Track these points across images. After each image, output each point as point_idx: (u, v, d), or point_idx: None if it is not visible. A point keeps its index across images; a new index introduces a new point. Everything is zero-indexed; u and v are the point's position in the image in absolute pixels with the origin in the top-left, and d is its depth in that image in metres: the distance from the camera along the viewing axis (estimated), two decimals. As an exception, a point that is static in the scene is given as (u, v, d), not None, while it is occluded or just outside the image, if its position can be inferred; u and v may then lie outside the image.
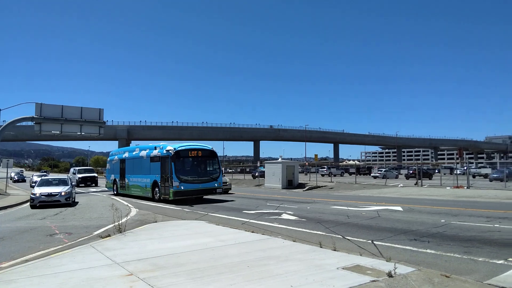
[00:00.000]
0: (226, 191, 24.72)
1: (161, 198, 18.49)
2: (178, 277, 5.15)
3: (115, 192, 25.02)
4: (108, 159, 27.81)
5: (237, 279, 5.01)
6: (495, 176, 36.65)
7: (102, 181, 38.84)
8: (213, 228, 9.55)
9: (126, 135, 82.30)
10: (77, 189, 28.28)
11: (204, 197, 20.34)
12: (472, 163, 62.34)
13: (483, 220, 10.56)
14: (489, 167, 45.83)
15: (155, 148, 19.88)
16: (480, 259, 6.30)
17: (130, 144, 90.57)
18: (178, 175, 17.49)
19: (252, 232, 8.76)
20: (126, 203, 18.11)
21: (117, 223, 9.26)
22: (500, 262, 6.09)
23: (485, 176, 42.89)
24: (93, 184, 37.51)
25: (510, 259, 6.25)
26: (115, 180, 25.23)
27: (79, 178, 36.90)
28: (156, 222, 10.90)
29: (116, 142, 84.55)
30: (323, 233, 9.04)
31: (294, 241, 7.54)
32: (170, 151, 17.87)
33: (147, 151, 20.89)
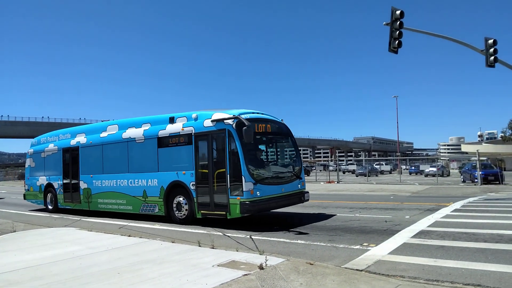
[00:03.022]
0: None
1: (195, 216, 9.84)
2: (33, 293, 4.53)
3: (50, 207, 14.80)
4: (31, 150, 16.20)
5: None
6: (360, 172, 41.89)
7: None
8: (84, 234, 8.73)
9: (-18, 132, 70.35)
10: None
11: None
12: (343, 160, 70.05)
13: (347, 211, 11.87)
14: (356, 164, 51.98)
15: (172, 121, 10.80)
16: (341, 246, 7.03)
17: (-11, 143, 77.68)
18: (251, 169, 8.97)
19: (129, 236, 8.26)
20: (-22, 212, 15.37)
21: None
22: (356, 247, 6.88)
23: (353, 172, 48.63)
24: None
25: (365, 244, 7.11)
26: (49, 185, 14.81)
27: None
28: (15, 231, 9.50)
29: (-30, 141, 71.84)
30: (205, 232, 9.02)
31: (173, 242, 7.35)
32: (227, 121, 9.28)
33: (146, 127, 11.51)
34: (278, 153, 11.17)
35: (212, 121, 9.63)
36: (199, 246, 6.87)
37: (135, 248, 6.92)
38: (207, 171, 9.61)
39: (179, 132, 10.38)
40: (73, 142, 14.04)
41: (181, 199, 10.25)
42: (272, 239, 7.95)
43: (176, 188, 10.36)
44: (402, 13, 14.27)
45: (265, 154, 10.81)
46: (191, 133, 10.06)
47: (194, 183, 9.84)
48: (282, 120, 11.28)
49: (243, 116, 9.40)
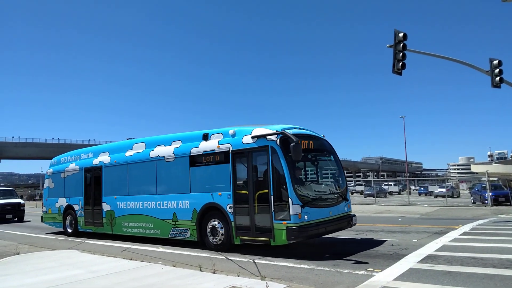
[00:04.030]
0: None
1: (232, 242, 9.03)
2: (30, 319, 4.48)
3: (70, 230, 14.10)
4: (51, 170, 15.62)
5: (102, 314, 4.56)
6: (368, 193, 41.50)
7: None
8: (86, 257, 8.68)
9: (-6, 153, 71.52)
10: (1, 229, 17.30)
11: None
12: (351, 181, 69.60)
13: (353, 234, 11.65)
14: (364, 185, 51.56)
15: (206, 137, 10.15)
16: (345, 271, 6.87)
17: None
18: (298, 190, 8.23)
19: (131, 259, 8.20)
20: (-16, 234, 15.39)
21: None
22: (361, 272, 6.72)
23: (361, 192, 48.19)
24: (16, 218, 22.03)
25: (370, 269, 6.94)
26: (69, 207, 14.14)
27: None
28: (18, 254, 9.50)
29: (-19, 162, 73.11)
30: (207, 255, 8.91)
31: (174, 266, 7.27)
32: (270, 137, 8.59)
33: (177, 144, 10.82)
34: (322, 172, 10.25)
35: (253, 137, 8.90)
36: (200, 270, 6.78)
37: (135, 273, 6.85)
38: (246, 192, 8.86)
39: (215, 150, 9.66)
40: (95, 161, 13.38)
41: (216, 223, 9.38)
42: (275, 263, 7.81)
43: (211, 211, 9.56)
44: (405, 35, 14.41)
45: (309, 173, 10.06)
46: (228, 151, 9.32)
47: (231, 205, 9.03)
48: (323, 136, 10.38)
49: (284, 130, 8.63)
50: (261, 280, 5.90)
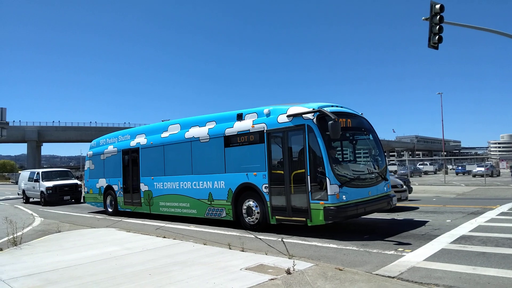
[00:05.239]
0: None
1: (268, 222, 9.04)
2: (69, 292, 4.78)
3: (110, 210, 14.64)
4: (91, 152, 16.20)
5: (135, 288, 4.80)
6: (402, 172, 40.44)
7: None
8: (123, 235, 9.09)
9: (36, 136, 75.65)
10: (45, 209, 17.93)
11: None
12: (384, 160, 67.83)
13: (384, 214, 11.47)
14: (397, 164, 50.29)
15: (240, 117, 10.10)
16: (374, 251, 6.81)
17: (42, 147, 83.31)
18: (335, 169, 8.00)
19: (164, 237, 8.50)
20: (30, 212, 16.44)
21: (11, 236, 8.37)
22: (390, 252, 6.64)
23: (394, 172, 47.08)
24: (73, 200, 21.20)
25: (400, 249, 6.85)
26: (109, 188, 14.63)
27: (49, 188, 20.49)
28: (59, 232, 10.09)
29: (25, 145, 77.57)
30: (237, 234, 9.09)
31: (204, 244, 7.48)
32: (306, 115, 8.36)
33: (211, 125, 10.83)
34: (361, 151, 9.97)
35: (288, 116, 8.70)
36: (230, 248, 6.93)
37: (168, 250, 7.11)
38: (282, 172, 8.72)
39: (249, 130, 9.55)
40: (133, 143, 13.65)
41: (251, 203, 9.39)
42: (303, 242, 7.86)
43: (246, 191, 9.54)
44: (442, 7, 13.64)
45: (347, 152, 9.79)
46: (263, 130, 9.20)
47: (267, 185, 8.97)
48: (362, 114, 10.00)
49: (321, 108, 8.34)
50: (289, 258, 5.96)
